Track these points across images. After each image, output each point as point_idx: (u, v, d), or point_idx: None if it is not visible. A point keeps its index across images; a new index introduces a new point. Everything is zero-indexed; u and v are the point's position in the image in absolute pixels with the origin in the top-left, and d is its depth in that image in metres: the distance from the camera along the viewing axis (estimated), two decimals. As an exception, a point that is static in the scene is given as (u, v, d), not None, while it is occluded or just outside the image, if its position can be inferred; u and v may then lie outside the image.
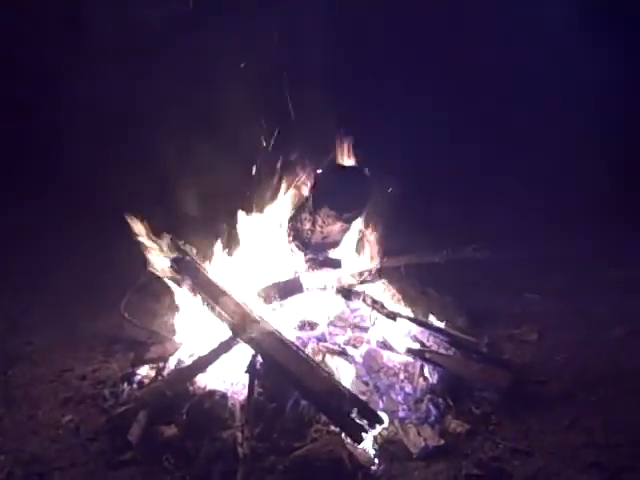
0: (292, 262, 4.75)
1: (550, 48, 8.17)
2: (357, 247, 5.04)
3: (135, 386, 4.40)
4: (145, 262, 4.71)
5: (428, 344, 4.49)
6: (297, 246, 4.71)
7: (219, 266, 4.79)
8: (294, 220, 4.70)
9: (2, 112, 8.17)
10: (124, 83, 7.40)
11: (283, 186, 4.86)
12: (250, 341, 3.99)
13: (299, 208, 4.68)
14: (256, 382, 3.90)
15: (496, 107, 8.22)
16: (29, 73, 8.38)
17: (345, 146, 4.69)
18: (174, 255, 4.65)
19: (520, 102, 8.28)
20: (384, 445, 3.76)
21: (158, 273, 4.70)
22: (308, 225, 4.55)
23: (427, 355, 4.30)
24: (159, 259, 4.66)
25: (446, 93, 8.07)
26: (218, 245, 4.86)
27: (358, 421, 3.55)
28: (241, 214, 4.85)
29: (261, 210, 4.87)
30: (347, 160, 4.68)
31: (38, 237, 7.42)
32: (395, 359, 4.31)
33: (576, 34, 7.76)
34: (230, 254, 4.86)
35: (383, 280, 4.95)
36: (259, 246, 4.80)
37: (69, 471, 3.68)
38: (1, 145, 8.41)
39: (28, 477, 3.62)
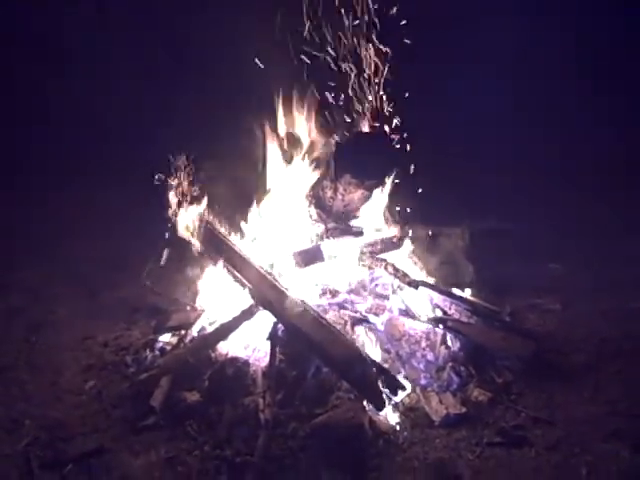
0: (313, 230, 4.72)
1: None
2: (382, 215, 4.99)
3: (157, 353, 4.43)
4: (172, 228, 4.68)
5: (450, 312, 4.48)
6: (318, 214, 4.68)
7: (242, 234, 4.78)
8: (315, 188, 4.66)
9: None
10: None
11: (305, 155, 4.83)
12: (272, 308, 4.00)
13: (321, 176, 4.64)
14: (278, 349, 3.90)
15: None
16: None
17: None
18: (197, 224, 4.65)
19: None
20: (406, 412, 3.78)
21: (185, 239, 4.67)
22: (329, 193, 4.52)
23: (449, 323, 4.29)
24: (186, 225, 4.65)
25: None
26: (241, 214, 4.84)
27: (380, 388, 3.56)
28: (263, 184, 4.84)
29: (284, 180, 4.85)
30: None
31: (58, 206, 7.47)
32: (417, 327, 4.29)
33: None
34: (252, 222, 4.84)
35: (405, 248, 4.91)
36: (281, 215, 4.78)
37: (92, 436, 3.71)
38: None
39: (53, 442, 3.65)
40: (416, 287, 4.46)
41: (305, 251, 4.50)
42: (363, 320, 4.23)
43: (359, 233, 4.63)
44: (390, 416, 3.71)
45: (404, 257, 4.92)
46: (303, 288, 4.37)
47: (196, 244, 4.59)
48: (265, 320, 4.10)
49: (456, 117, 8.17)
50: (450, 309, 4.50)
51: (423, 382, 3.99)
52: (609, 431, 3.56)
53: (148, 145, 7.75)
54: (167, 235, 4.77)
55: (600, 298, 5.16)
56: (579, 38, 8.60)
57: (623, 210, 6.72)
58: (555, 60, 8.75)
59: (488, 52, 8.29)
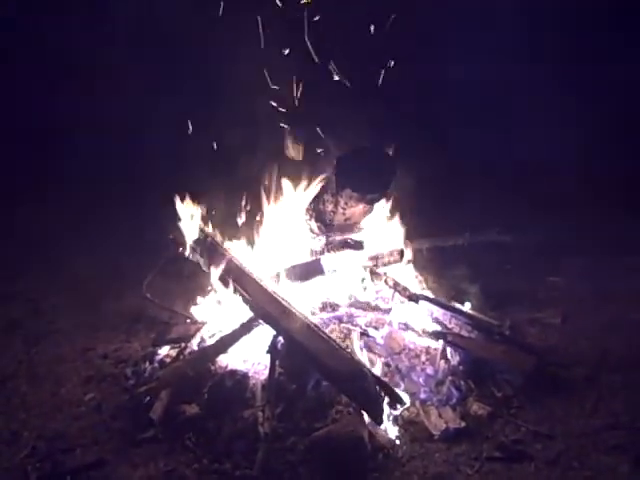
0: (314, 244, 4.73)
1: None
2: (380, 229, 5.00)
3: (157, 365, 4.42)
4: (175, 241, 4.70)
5: (450, 326, 4.48)
6: (319, 227, 4.68)
7: (241, 247, 4.78)
8: (316, 201, 4.67)
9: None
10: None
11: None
12: (271, 321, 4.00)
13: (322, 189, 4.65)
14: (277, 362, 3.90)
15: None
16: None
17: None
18: (196, 236, 4.66)
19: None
20: (405, 426, 3.77)
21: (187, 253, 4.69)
22: (330, 207, 4.52)
23: (449, 337, 4.28)
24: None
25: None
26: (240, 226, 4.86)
27: (379, 402, 3.56)
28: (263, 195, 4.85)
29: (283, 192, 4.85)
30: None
31: (59, 217, 7.48)
32: (417, 341, 4.30)
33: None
34: (253, 235, 4.85)
35: (406, 262, 4.92)
36: (281, 227, 4.79)
37: (91, 448, 3.71)
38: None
39: (51, 453, 3.65)
40: (416, 301, 4.47)
41: (305, 264, 4.51)
42: (363, 334, 4.23)
43: (359, 247, 4.63)
44: (389, 430, 3.70)
45: (404, 271, 4.93)
46: (303, 302, 4.37)
47: (197, 257, 4.61)
48: (265, 333, 4.10)
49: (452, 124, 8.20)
50: (450, 323, 4.49)
51: (423, 396, 3.98)
52: (610, 445, 3.54)
53: (150, 155, 7.85)
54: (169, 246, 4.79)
55: (600, 310, 5.15)
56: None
57: (622, 221, 6.71)
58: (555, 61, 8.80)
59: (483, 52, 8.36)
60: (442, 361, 4.16)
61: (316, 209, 4.67)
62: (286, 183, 4.81)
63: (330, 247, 4.64)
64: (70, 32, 8.45)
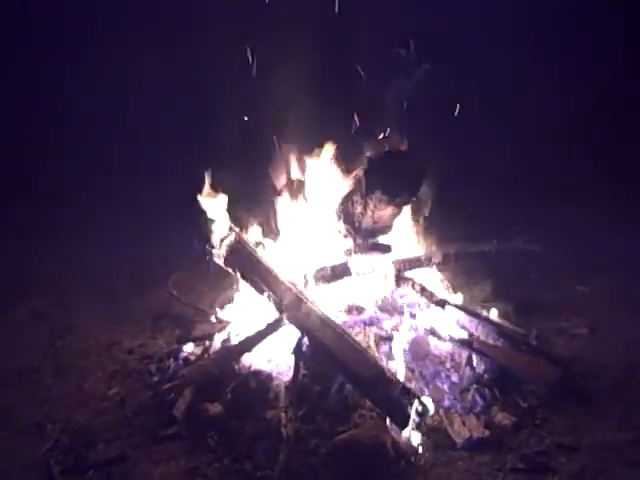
0: (341, 246, 4.71)
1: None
2: (409, 233, 4.97)
3: (181, 363, 4.44)
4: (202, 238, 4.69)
5: (476, 334, 4.43)
6: (347, 230, 4.67)
7: (268, 247, 4.77)
8: (345, 203, 4.65)
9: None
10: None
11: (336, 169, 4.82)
12: (297, 323, 3.99)
13: (351, 191, 4.63)
14: (302, 364, 3.89)
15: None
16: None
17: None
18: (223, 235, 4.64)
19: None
20: (428, 433, 3.73)
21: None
22: (359, 209, 4.50)
23: (475, 345, 4.25)
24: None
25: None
26: (268, 226, 4.84)
27: (404, 408, 3.54)
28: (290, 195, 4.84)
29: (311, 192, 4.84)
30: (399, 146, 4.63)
31: (86, 213, 7.53)
32: (442, 347, 4.27)
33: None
34: (279, 236, 4.84)
35: (433, 267, 4.89)
36: (309, 228, 4.78)
37: (114, 443, 3.74)
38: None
39: (74, 446, 3.69)
40: (443, 307, 4.43)
41: (333, 266, 4.49)
42: (388, 338, 4.21)
43: (387, 250, 4.61)
44: (413, 436, 3.66)
45: (431, 275, 4.90)
46: (329, 304, 4.35)
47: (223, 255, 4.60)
48: (290, 334, 4.10)
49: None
50: (476, 330, 4.45)
51: (447, 403, 3.95)
52: (635, 459, 3.49)
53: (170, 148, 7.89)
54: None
55: (628, 321, 5.06)
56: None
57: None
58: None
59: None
60: (467, 368, 4.14)
61: (345, 211, 4.65)
62: (315, 181, 4.80)
63: (358, 249, 4.62)
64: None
